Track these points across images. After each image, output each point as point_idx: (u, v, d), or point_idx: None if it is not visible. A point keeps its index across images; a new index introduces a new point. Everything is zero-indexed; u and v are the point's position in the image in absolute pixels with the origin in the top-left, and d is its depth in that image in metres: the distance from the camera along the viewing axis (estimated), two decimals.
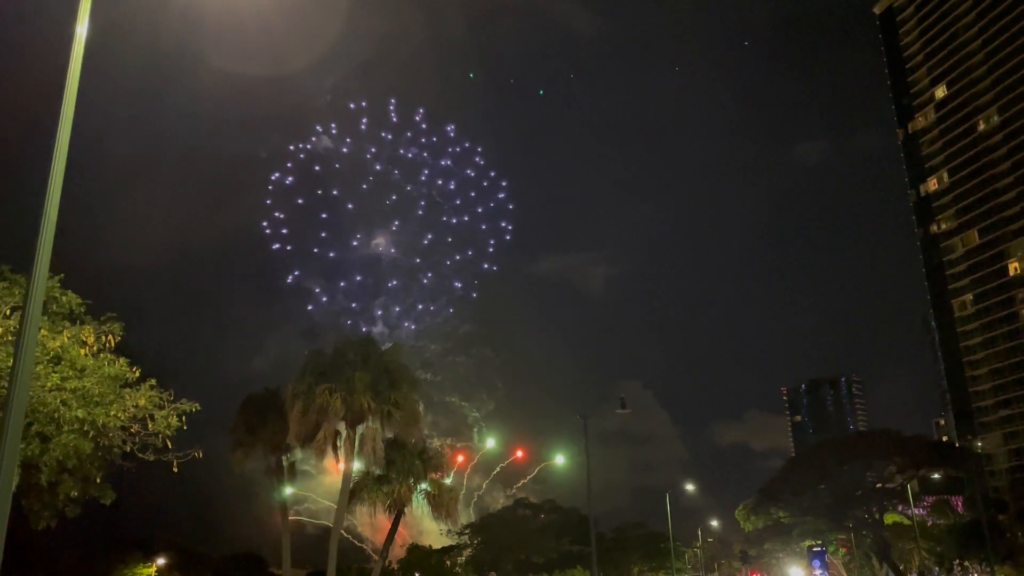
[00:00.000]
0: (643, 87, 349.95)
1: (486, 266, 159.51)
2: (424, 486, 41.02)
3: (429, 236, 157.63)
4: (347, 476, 38.96)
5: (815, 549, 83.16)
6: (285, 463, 41.43)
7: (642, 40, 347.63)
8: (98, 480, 20.13)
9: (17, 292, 19.31)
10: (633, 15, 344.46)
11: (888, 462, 79.24)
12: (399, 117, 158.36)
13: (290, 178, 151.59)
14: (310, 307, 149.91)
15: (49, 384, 17.71)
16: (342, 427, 38.42)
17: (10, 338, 17.38)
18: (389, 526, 43.62)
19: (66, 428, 17.65)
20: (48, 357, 18.44)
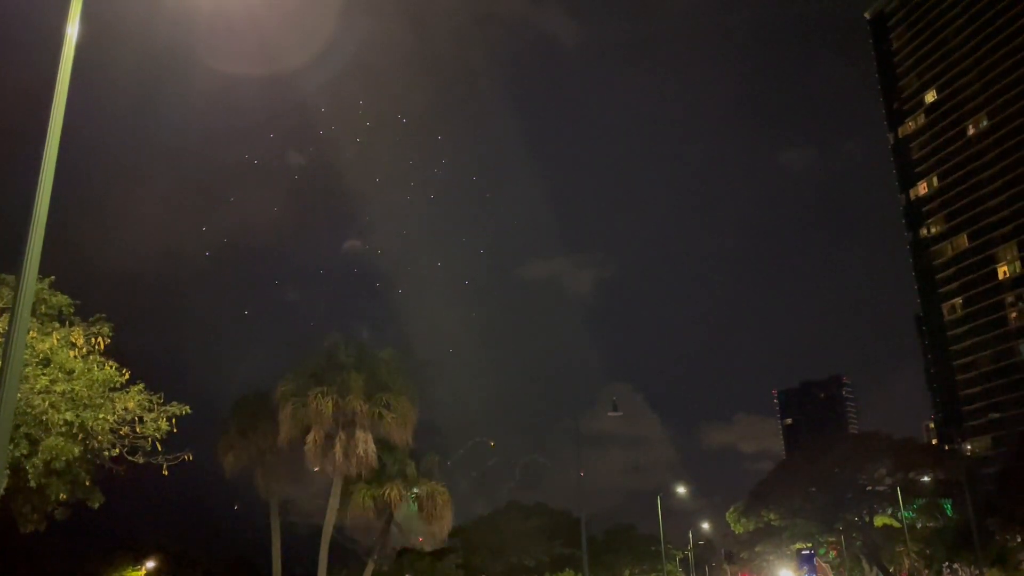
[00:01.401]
0: (632, 93, 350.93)
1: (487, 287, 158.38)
2: (415, 489, 40.99)
3: (423, 257, 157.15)
4: (338, 478, 38.90)
5: (803, 552, 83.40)
6: (276, 465, 41.30)
7: (629, 47, 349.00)
8: (87, 483, 19.99)
9: (6, 293, 19.19)
10: (619, 22, 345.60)
11: (878, 464, 79.59)
12: (386, 123, 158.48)
13: (275, 187, 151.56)
14: (298, 312, 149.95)
15: (38, 386, 17.61)
16: (333, 429, 38.35)
17: None
18: (380, 528, 43.56)
19: (54, 431, 17.55)
20: (37, 359, 18.33)
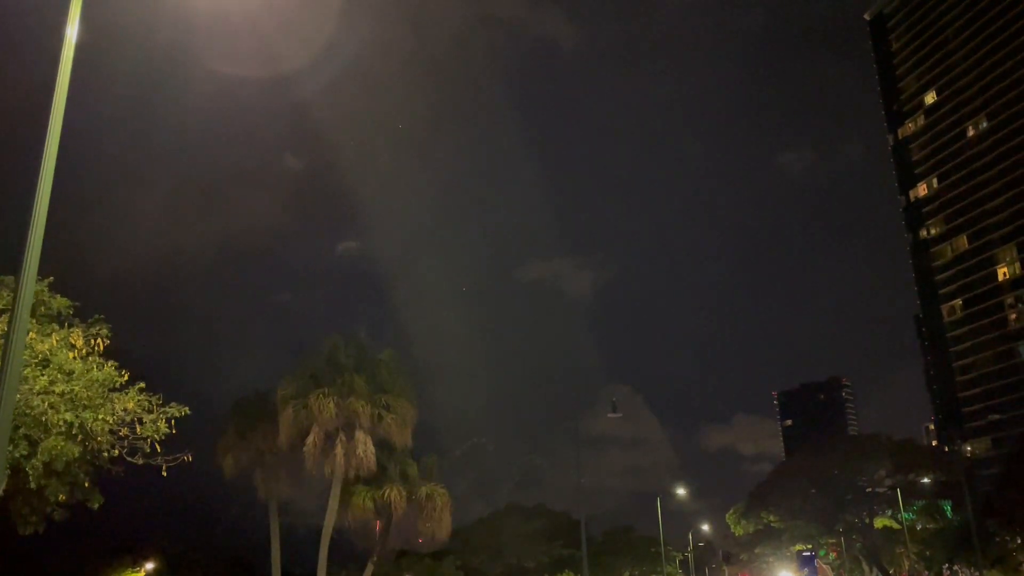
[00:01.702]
0: (630, 94, 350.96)
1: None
2: (415, 492, 40.92)
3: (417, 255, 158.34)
4: (338, 480, 38.87)
5: (804, 554, 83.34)
6: (275, 467, 41.25)
7: (627, 49, 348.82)
8: (86, 484, 19.97)
9: (5, 295, 19.16)
10: (617, 25, 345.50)
11: (878, 466, 79.58)
12: (385, 126, 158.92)
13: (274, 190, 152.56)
14: (297, 314, 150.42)
15: (37, 387, 17.59)
16: (334, 430, 38.33)
17: None
18: (380, 530, 43.51)
19: (54, 432, 17.53)
20: (36, 360, 18.30)
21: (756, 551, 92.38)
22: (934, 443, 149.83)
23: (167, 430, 19.57)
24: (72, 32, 12.15)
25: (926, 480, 78.62)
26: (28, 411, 17.30)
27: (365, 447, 37.84)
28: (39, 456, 17.42)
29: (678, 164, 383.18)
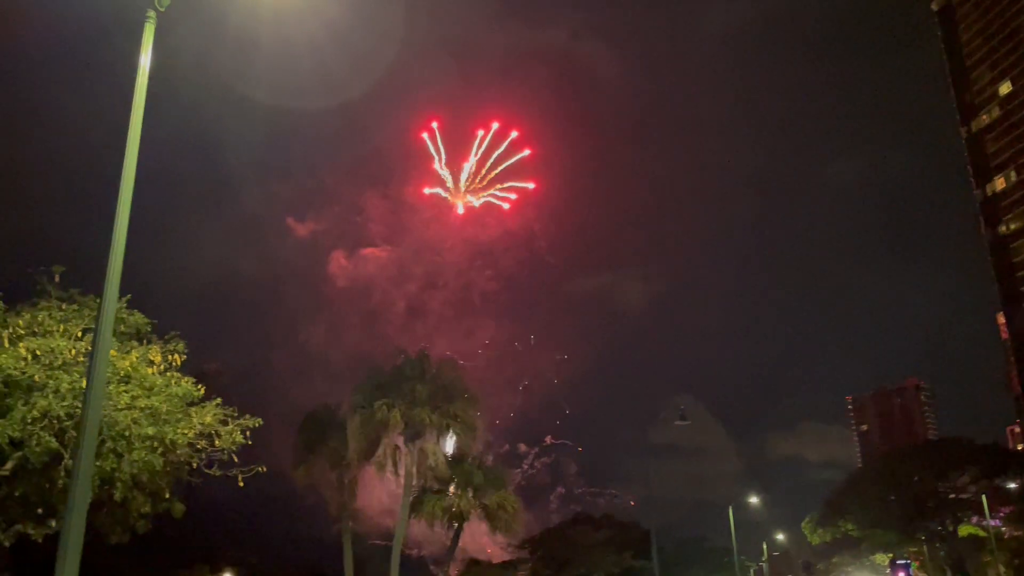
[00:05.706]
0: (677, 106, 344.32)
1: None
2: (484, 500, 40.97)
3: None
4: (407, 490, 39.20)
5: (899, 562, 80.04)
6: (346, 479, 41.84)
7: (671, 62, 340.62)
8: (167, 495, 20.65)
9: (87, 314, 19.97)
10: (659, 40, 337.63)
11: (960, 471, 76.62)
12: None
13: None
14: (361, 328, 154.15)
15: (121, 403, 18.27)
16: (401, 441, 38.73)
17: (83, 359, 17.99)
18: (449, 539, 43.70)
19: (137, 445, 18.19)
20: (118, 377, 19.02)
21: (834, 560, 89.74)
22: (1020, 447, 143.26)
23: (243, 440, 20.11)
24: (146, 60, 12.57)
25: (1013, 485, 75.31)
26: (113, 426, 18.00)
27: (435, 456, 38.08)
28: (125, 468, 18.10)
29: (735, 169, 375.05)
